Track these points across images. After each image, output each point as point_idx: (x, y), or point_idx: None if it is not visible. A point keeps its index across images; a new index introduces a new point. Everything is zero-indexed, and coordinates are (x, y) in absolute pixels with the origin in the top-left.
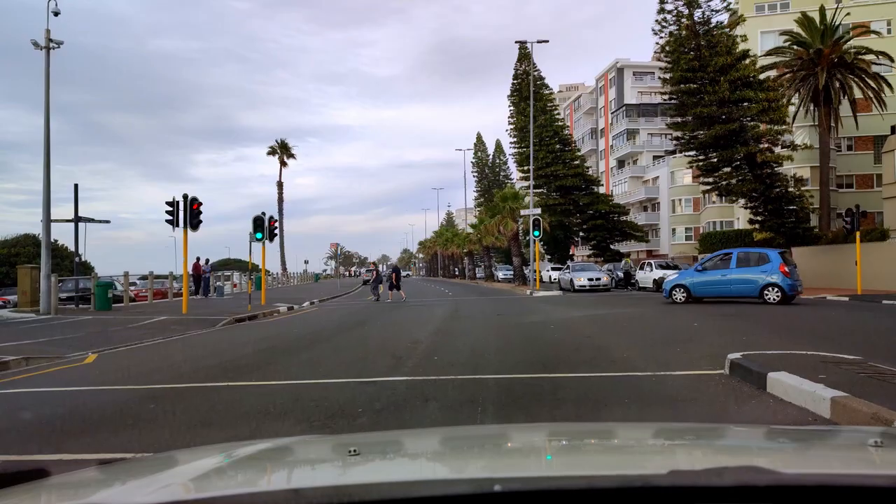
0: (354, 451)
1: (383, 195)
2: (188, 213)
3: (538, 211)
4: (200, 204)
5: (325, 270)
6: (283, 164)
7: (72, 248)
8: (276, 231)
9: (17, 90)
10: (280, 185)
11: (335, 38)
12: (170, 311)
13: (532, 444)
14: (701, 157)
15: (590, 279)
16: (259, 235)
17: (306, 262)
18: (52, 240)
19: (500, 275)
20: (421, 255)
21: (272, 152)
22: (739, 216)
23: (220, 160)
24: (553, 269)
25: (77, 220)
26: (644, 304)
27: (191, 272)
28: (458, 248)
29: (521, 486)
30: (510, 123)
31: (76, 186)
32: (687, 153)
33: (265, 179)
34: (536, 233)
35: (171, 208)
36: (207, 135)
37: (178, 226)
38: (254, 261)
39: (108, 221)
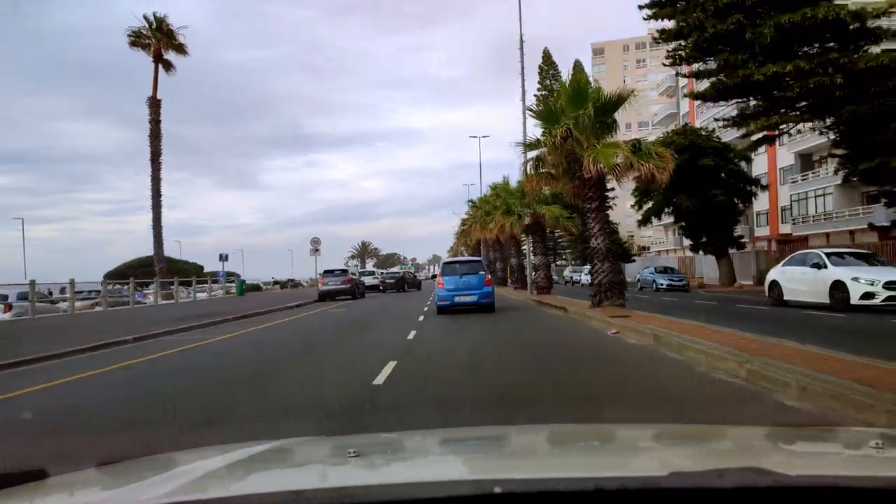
0: (355, 452)
1: (445, 196)
2: None
3: None
4: None
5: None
6: (159, 59)
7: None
8: None
9: (97, 105)
10: (155, 101)
11: (400, 42)
12: None
13: (532, 445)
14: None
15: None
16: None
17: (223, 257)
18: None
19: (583, 278)
20: (462, 250)
21: (135, 41)
22: None
23: (290, 166)
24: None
25: None
26: None
27: None
28: (508, 221)
29: (521, 488)
30: None
31: None
32: None
33: (334, 184)
34: None
35: None
36: (278, 142)
37: None
38: None
39: None
